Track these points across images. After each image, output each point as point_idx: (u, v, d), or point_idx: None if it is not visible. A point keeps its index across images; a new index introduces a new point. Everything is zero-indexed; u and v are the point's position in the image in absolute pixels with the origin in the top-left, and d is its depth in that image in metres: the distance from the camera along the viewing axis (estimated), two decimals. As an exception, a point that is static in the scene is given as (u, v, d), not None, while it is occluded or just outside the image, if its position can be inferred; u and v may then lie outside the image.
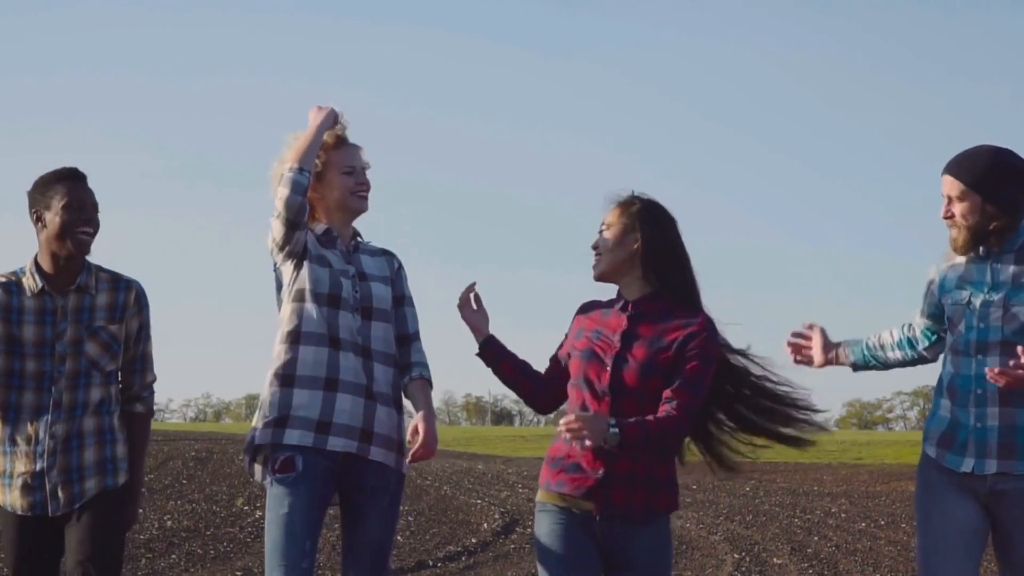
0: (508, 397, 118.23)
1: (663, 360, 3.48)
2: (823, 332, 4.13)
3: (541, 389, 3.76)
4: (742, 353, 3.78)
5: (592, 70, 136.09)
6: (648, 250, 3.54)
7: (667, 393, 3.46)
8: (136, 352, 3.96)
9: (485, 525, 13.13)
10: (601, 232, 3.60)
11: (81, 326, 3.85)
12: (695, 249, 3.65)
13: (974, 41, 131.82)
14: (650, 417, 3.43)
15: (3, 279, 3.91)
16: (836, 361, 4.13)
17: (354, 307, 3.83)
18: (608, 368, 3.51)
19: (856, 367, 4.14)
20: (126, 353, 3.95)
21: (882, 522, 14.44)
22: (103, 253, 3.97)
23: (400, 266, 4.05)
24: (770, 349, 3.88)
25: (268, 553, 3.71)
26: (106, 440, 3.88)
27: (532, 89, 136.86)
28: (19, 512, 3.85)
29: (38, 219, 3.88)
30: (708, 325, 3.54)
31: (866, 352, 4.12)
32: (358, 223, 4.02)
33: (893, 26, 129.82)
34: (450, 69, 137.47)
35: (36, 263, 3.90)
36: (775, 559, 10.94)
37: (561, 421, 3.39)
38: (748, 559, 10.89)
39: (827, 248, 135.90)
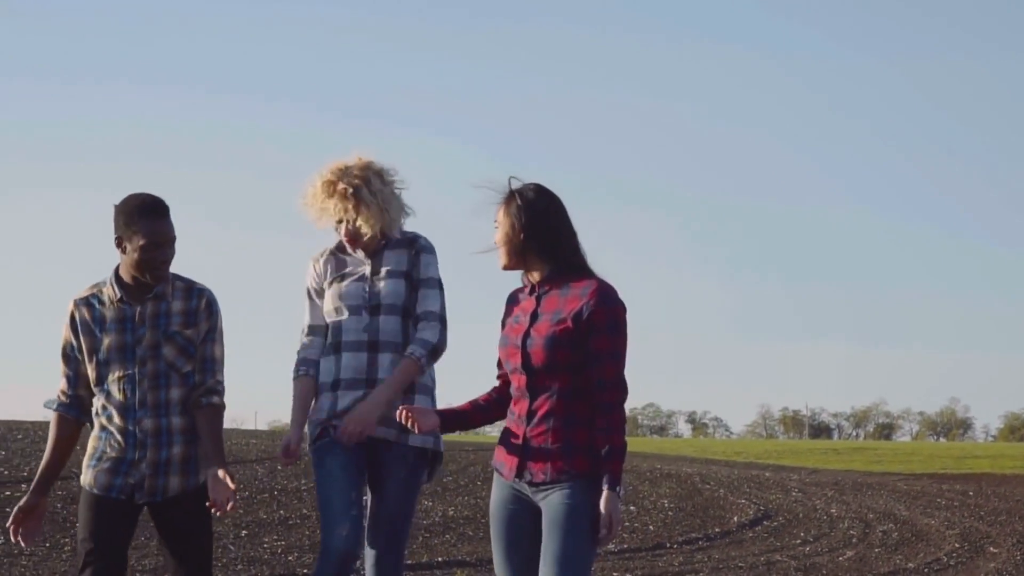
0: (825, 411, 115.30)
1: (563, 331, 3.73)
2: None
3: (503, 400, 3.96)
4: None
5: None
6: (534, 239, 3.82)
7: (592, 374, 3.72)
8: (203, 352, 4.18)
9: (736, 519, 14.31)
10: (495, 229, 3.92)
11: (158, 331, 4.12)
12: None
13: None
14: (601, 438, 3.68)
15: (86, 295, 4.18)
16: None
17: (362, 307, 4.31)
18: (518, 347, 3.81)
19: None
20: (195, 354, 4.20)
21: None
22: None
23: (418, 251, 4.35)
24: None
25: None
26: (191, 440, 4.14)
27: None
28: (95, 492, 4.10)
29: (120, 243, 4.11)
30: (602, 291, 3.75)
31: None
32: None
33: None
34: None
35: (117, 275, 4.16)
36: (992, 548, 11.58)
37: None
38: (967, 547, 11.58)
39: None
